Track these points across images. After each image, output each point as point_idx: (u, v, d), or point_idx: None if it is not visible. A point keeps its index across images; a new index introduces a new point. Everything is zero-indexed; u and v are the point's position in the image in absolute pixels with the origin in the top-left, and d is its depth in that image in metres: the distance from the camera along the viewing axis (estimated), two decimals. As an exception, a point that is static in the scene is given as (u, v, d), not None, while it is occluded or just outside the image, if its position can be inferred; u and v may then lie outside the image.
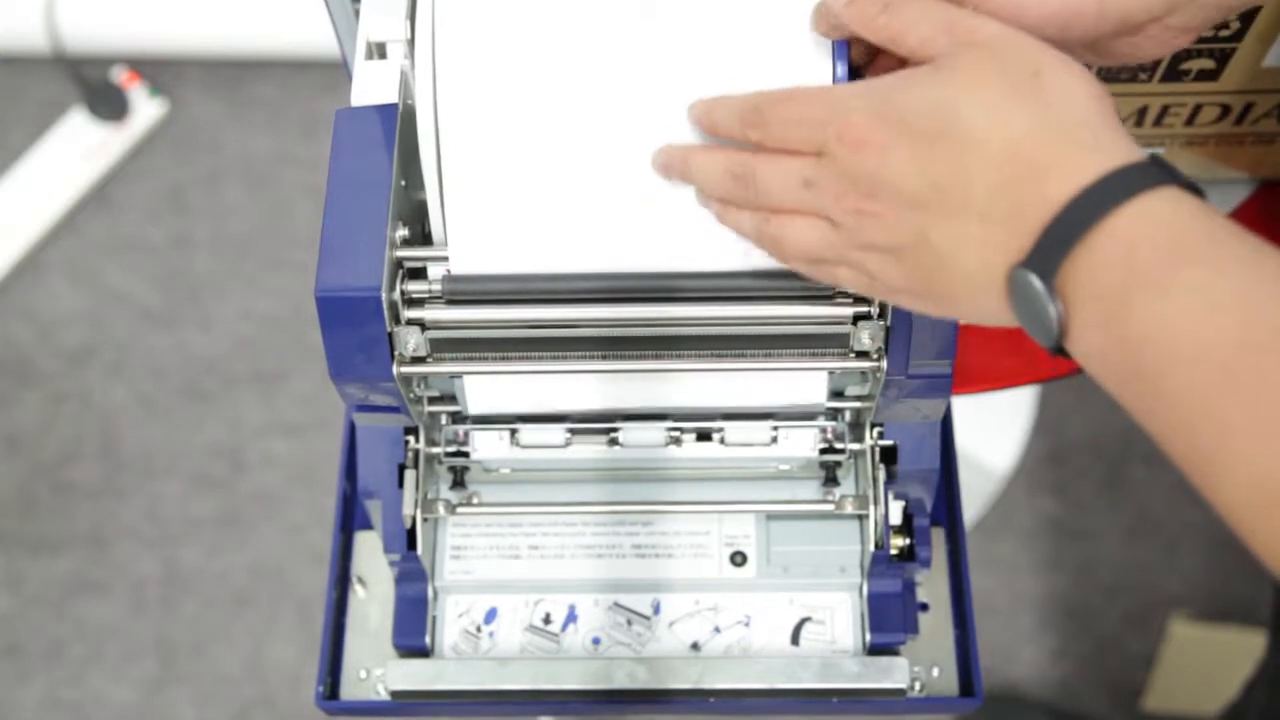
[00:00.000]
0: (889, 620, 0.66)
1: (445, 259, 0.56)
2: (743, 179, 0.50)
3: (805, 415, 0.64)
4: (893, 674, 0.64)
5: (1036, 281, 0.43)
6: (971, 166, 0.44)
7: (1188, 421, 0.41)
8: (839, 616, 0.67)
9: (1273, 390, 0.39)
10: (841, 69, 0.54)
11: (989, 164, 0.44)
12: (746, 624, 0.67)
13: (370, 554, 0.70)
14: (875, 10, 0.49)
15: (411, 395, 0.58)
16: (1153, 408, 0.42)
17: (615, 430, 0.64)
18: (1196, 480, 0.41)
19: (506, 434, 0.65)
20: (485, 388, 0.60)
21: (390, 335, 0.54)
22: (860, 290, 0.51)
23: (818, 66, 0.54)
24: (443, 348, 0.57)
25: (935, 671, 0.67)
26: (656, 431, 0.64)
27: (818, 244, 0.49)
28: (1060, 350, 0.45)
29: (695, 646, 0.67)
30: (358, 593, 0.69)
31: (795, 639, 0.67)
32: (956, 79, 0.45)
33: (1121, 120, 0.44)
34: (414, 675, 0.64)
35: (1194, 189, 0.43)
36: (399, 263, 0.55)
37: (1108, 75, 0.71)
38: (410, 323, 0.55)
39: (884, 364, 0.56)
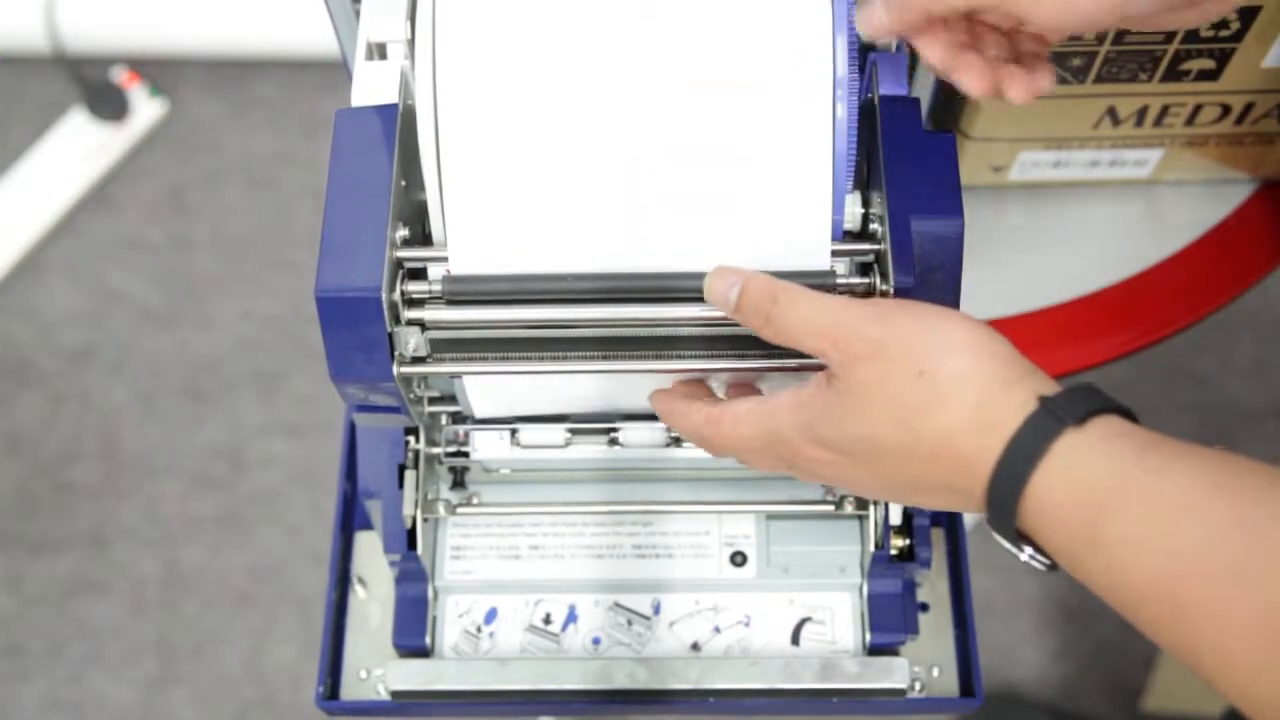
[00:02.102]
0: (889, 620, 0.66)
1: (445, 259, 0.56)
2: (709, 447, 0.55)
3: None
4: (893, 674, 0.64)
5: (1005, 542, 0.47)
6: (913, 470, 0.48)
7: (1170, 648, 0.44)
8: (839, 617, 0.67)
9: (1216, 613, 0.41)
10: (842, 68, 0.54)
11: (924, 465, 0.48)
12: (746, 624, 0.67)
13: (370, 554, 0.70)
14: (760, 323, 0.51)
15: (412, 395, 0.58)
16: (1147, 633, 0.45)
17: (615, 430, 0.64)
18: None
19: (507, 434, 0.65)
20: (486, 389, 0.60)
21: (390, 335, 0.54)
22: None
23: (817, 66, 0.54)
24: (443, 348, 0.57)
25: (935, 671, 0.67)
26: (657, 431, 0.64)
27: (785, 470, 0.53)
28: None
29: (695, 647, 0.67)
30: (358, 593, 0.69)
31: (795, 639, 0.67)
32: (862, 410, 0.48)
33: (1016, 358, 0.48)
34: (414, 675, 0.64)
35: (1093, 407, 0.45)
36: (399, 263, 0.55)
37: (1108, 76, 0.71)
38: (410, 323, 0.55)
39: (884, 364, 0.56)
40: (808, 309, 0.50)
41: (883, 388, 0.48)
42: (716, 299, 0.52)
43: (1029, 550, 0.47)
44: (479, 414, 0.62)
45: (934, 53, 0.54)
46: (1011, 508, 0.46)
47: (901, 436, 0.47)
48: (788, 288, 0.51)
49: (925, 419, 0.47)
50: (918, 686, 0.66)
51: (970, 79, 0.53)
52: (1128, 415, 0.46)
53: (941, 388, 0.47)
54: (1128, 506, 0.43)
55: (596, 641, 0.67)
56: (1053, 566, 0.47)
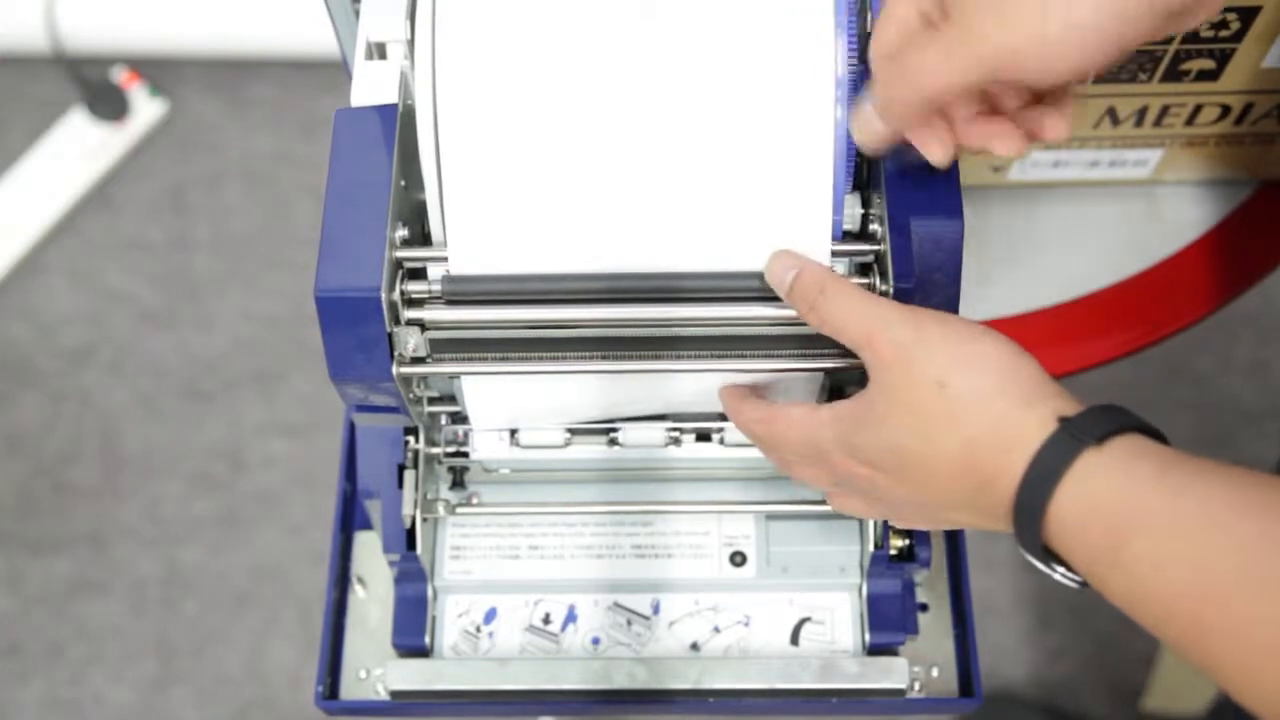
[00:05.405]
0: (888, 620, 0.66)
1: (445, 259, 0.56)
2: (762, 446, 0.57)
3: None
4: (892, 674, 0.64)
5: (1035, 561, 0.47)
6: (940, 486, 0.49)
7: (1195, 663, 0.44)
8: (838, 616, 0.67)
9: (1242, 632, 0.41)
10: (842, 68, 0.54)
11: (949, 481, 0.49)
12: (746, 624, 0.67)
13: (370, 554, 0.70)
14: (806, 308, 0.52)
15: (411, 395, 0.58)
16: (1172, 650, 0.46)
17: (615, 430, 0.64)
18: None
19: (506, 434, 0.65)
20: (485, 390, 0.60)
21: (390, 335, 0.54)
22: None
23: (818, 65, 0.54)
24: (443, 348, 0.57)
25: (935, 671, 0.67)
26: (656, 431, 0.64)
27: (828, 486, 0.55)
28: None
29: (695, 646, 0.67)
30: (358, 593, 0.69)
31: (795, 639, 0.67)
32: (887, 418, 0.49)
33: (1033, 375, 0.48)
34: (414, 675, 0.64)
35: (1113, 427, 0.45)
36: (399, 263, 0.55)
37: (1107, 76, 0.71)
38: (410, 323, 0.55)
39: (884, 364, 0.56)
40: (848, 302, 0.51)
41: (904, 396, 0.48)
42: (774, 280, 0.54)
43: (1060, 570, 0.47)
44: (479, 428, 0.62)
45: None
46: (1036, 528, 0.46)
47: (923, 448, 0.48)
48: (836, 280, 0.52)
49: (943, 433, 0.47)
50: (917, 686, 0.66)
51: (933, 149, 0.52)
52: (1153, 433, 0.46)
53: (960, 403, 0.47)
54: (1148, 525, 0.43)
55: (596, 641, 0.67)
56: (1084, 584, 0.47)
